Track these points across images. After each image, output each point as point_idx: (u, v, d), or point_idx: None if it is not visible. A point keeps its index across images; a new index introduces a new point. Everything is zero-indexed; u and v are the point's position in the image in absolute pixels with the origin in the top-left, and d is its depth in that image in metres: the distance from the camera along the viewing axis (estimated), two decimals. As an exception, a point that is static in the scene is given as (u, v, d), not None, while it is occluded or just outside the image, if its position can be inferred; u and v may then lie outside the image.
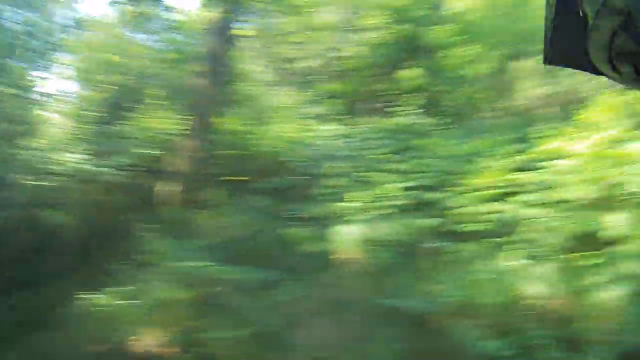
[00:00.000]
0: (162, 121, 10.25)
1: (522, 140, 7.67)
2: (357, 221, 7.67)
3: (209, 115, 8.20)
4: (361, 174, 9.04)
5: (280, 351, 4.84)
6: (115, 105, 12.89)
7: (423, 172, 8.27)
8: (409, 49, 13.04)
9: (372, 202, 8.04)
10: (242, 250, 6.94)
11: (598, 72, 0.76)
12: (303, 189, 9.45)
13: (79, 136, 12.21)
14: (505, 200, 6.65)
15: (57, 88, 18.28)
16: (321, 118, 15.24)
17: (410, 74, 13.25)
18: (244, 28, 16.65)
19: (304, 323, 5.53)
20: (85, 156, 9.91)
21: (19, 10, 13.71)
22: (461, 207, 6.90)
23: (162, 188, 8.70)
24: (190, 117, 8.31)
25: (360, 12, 17.52)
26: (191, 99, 8.55)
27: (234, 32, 8.93)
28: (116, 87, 14.66)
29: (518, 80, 13.42)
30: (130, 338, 5.23)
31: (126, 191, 8.87)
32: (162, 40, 14.92)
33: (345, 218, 7.96)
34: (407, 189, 7.98)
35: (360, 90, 15.41)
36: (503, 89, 14.05)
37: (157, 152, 9.37)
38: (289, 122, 13.56)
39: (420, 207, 7.83)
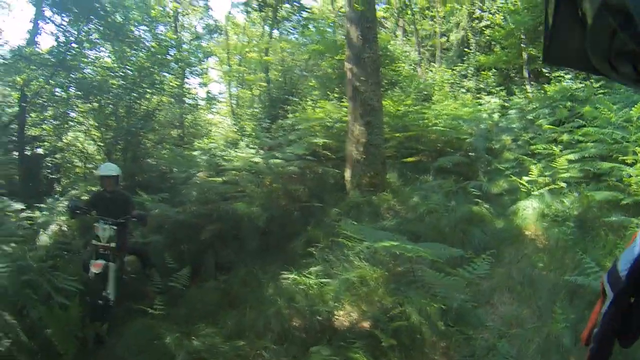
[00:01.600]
0: (324, 110, 10.47)
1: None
2: (535, 195, 7.44)
3: (370, 99, 8.15)
4: (532, 146, 8.61)
5: (470, 327, 4.71)
6: (276, 99, 13.48)
7: (593, 141, 7.79)
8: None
9: (547, 175, 7.64)
10: (426, 229, 6.93)
11: (598, 72, 0.74)
12: (476, 165, 9.22)
13: (247, 132, 12.95)
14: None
15: (213, 91, 19.81)
16: (480, 91, 14.84)
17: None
18: (384, 9, 16.68)
19: (491, 299, 5.46)
20: (257, 150, 10.45)
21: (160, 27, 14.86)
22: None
23: (337, 173, 8.88)
24: (352, 102, 8.29)
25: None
26: (348, 85, 8.53)
27: (374, 13, 8.68)
28: (272, 84, 15.39)
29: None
30: (330, 313, 5.31)
31: (304, 179, 9.14)
32: (303, 34, 15.32)
33: (522, 192, 7.65)
34: (580, 159, 7.57)
35: (513, 58, 14.77)
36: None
37: (326, 140, 9.59)
38: (450, 98, 13.31)
39: (595, 179, 7.44)
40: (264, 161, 9.33)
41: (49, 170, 13.73)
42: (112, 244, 6.02)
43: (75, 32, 11.69)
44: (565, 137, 8.49)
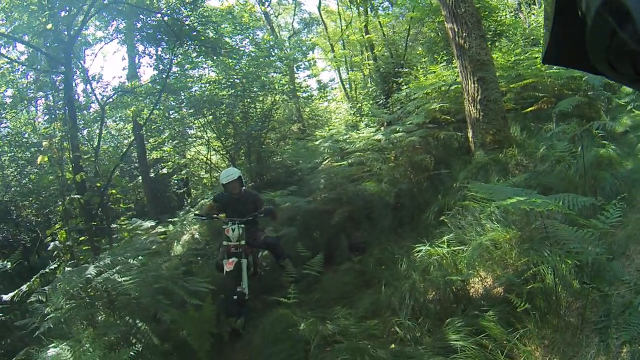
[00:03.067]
0: (436, 75, 10.45)
1: None
2: None
3: (478, 54, 8.03)
4: None
5: (606, 283, 4.50)
6: (386, 75, 13.60)
7: None
8: None
9: None
10: (557, 180, 6.76)
11: (598, 72, 0.73)
12: (597, 104, 8.77)
13: (365, 112, 13.22)
14: None
15: (324, 80, 20.32)
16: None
17: None
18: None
19: (627, 250, 5.11)
20: (377, 127, 10.67)
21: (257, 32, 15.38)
22: None
23: (460, 136, 8.89)
24: (460, 61, 8.23)
25: None
26: (452, 45, 8.45)
27: None
28: (379, 60, 15.50)
29: None
30: (464, 282, 5.37)
31: (428, 148, 9.23)
32: (397, 5, 15.22)
33: None
34: None
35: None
36: None
37: (443, 104, 9.59)
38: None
39: None
40: (385, 137, 9.50)
41: (177, 187, 15.03)
42: (242, 242, 6.50)
43: (173, 57, 12.54)
44: None
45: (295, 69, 15.62)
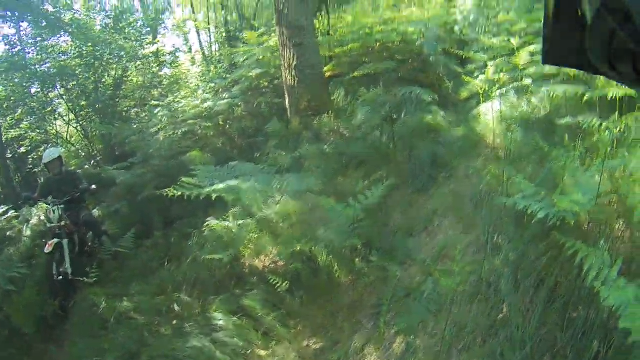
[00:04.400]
0: (267, 39, 10.06)
1: None
2: (496, 97, 6.53)
3: (297, 20, 7.70)
4: (494, 40, 7.77)
5: (396, 262, 4.29)
6: (233, 36, 13.16)
7: None
8: None
9: (507, 72, 6.97)
10: (367, 149, 6.61)
11: (598, 72, 0.72)
12: (437, 70, 8.67)
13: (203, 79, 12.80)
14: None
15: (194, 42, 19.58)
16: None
17: None
18: None
19: (430, 225, 4.91)
20: (213, 94, 10.27)
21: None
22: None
23: (278, 103, 8.62)
24: (278, 28, 7.90)
25: None
26: (275, 10, 8.09)
27: None
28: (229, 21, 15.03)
29: None
30: (238, 258, 5.25)
31: (253, 115, 8.96)
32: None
33: (482, 95, 6.94)
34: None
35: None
36: None
37: (261, 70, 9.30)
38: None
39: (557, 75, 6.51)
40: (214, 104, 9.17)
41: (32, 166, 13.99)
42: (63, 223, 6.39)
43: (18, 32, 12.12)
44: (521, 25, 7.55)
45: (160, 32, 14.95)
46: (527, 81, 6.36)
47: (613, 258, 2.58)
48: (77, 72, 12.06)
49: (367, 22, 9.65)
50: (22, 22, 12.06)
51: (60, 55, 12.29)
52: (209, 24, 16.14)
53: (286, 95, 7.97)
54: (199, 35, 16.95)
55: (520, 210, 3.47)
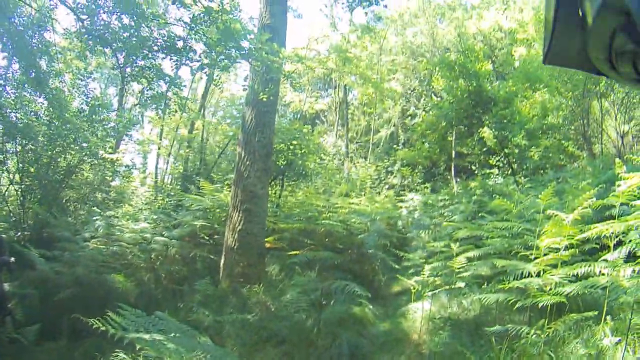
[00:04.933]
0: (209, 191, 10.38)
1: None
2: (428, 297, 6.94)
3: (254, 185, 8.13)
4: (435, 243, 8.28)
5: None
6: (188, 177, 13.41)
7: (499, 236, 7.27)
8: (478, 103, 12.42)
9: (441, 274, 7.41)
10: (291, 330, 6.63)
11: (598, 72, 0.75)
12: (374, 263, 9.04)
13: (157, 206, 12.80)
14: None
15: (139, 161, 19.78)
16: (404, 188, 15.02)
17: (483, 134, 12.76)
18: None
19: None
20: (154, 225, 10.27)
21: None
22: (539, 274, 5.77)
23: (212, 260, 8.70)
24: (234, 187, 8.36)
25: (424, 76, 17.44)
26: (235, 170, 8.58)
27: (276, 100, 8.89)
28: (189, 162, 15.41)
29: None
30: None
31: (185, 261, 8.95)
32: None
33: (413, 293, 7.27)
34: (482, 256, 7.06)
35: (435, 155, 15.13)
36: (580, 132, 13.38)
37: (205, 223, 9.50)
38: (367, 194, 13.38)
39: (497, 277, 7.03)
40: (151, 237, 9.17)
41: None
42: None
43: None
44: (463, 232, 7.97)
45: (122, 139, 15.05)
46: (461, 284, 6.74)
47: None
48: (39, 138, 11.82)
49: (317, 204, 10.16)
50: (15, 61, 11.82)
51: (32, 113, 12.11)
52: (170, 154, 16.49)
53: (223, 255, 8.13)
54: (157, 161, 17.18)
55: None
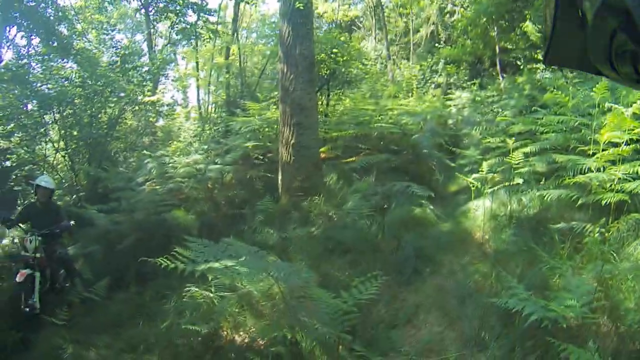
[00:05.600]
0: (256, 112, 10.22)
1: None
2: (488, 194, 6.71)
3: (301, 98, 7.87)
4: (491, 139, 8.01)
5: (378, 352, 4.23)
6: (232, 102, 13.27)
7: (555, 130, 7.03)
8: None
9: (499, 170, 7.18)
10: (354, 237, 6.54)
11: (598, 73, 0.72)
12: (429, 163, 8.84)
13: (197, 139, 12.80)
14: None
15: (181, 98, 19.75)
16: (451, 86, 14.53)
17: (526, 28, 12.01)
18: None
19: (414, 319, 4.94)
20: (206, 156, 10.27)
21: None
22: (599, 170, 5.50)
23: (269, 178, 8.63)
24: (282, 104, 8.06)
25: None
26: (279, 87, 8.32)
27: (310, 8, 8.45)
28: (231, 87, 15.22)
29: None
30: (218, 330, 5.06)
31: (242, 185, 8.93)
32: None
33: (473, 191, 7.08)
34: (539, 152, 6.86)
35: (479, 51, 14.44)
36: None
37: (258, 143, 9.44)
38: (415, 94, 12.99)
39: (551, 174, 6.72)
40: (205, 167, 9.12)
41: (15, 183, 13.60)
42: (38, 254, 6.17)
43: (28, 46, 12.01)
44: (518, 127, 7.88)
45: (159, 80, 15.00)
46: (519, 180, 6.52)
47: (601, 356, 2.66)
48: (75, 101, 11.93)
49: (367, 108, 9.88)
50: (34, 36, 12.04)
51: (63, 80, 12.12)
52: (209, 84, 16.31)
53: (279, 172, 8.01)
54: (198, 93, 17.05)
55: (507, 309, 3.62)
